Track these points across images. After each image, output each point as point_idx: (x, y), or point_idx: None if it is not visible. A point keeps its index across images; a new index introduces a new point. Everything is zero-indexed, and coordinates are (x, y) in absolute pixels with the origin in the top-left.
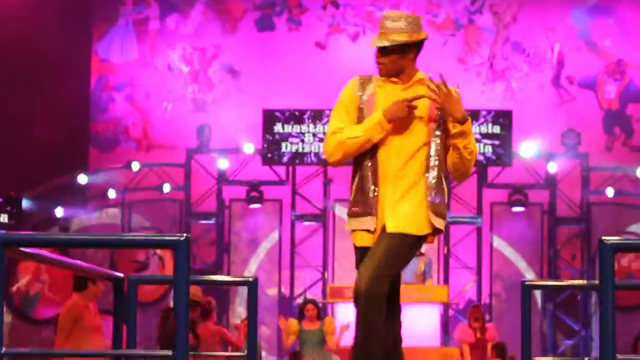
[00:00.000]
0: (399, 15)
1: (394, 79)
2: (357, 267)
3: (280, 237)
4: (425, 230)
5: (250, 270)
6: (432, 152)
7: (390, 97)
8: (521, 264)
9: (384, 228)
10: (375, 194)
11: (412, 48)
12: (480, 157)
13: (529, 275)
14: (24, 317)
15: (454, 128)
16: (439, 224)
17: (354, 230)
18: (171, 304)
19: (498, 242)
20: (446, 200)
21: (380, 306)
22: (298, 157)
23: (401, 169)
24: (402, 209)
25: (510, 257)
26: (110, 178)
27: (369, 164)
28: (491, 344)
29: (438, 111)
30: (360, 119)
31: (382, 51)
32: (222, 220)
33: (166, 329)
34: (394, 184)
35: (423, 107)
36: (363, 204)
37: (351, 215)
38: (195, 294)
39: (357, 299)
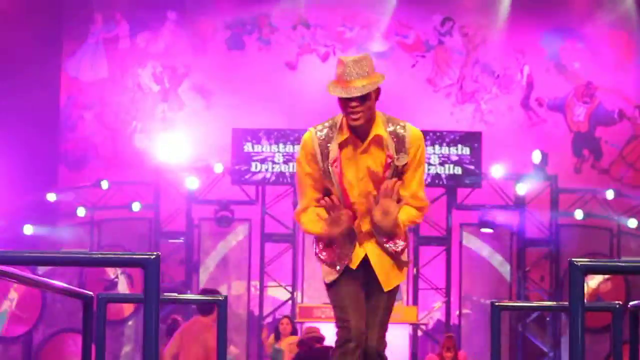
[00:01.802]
0: (358, 57)
1: (355, 139)
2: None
3: (249, 257)
4: None
5: (219, 290)
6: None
7: (350, 162)
8: (490, 285)
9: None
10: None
11: (378, 90)
12: (450, 179)
13: (498, 297)
14: None
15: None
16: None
17: None
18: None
19: (467, 263)
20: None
21: None
22: (267, 177)
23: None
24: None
25: (479, 278)
26: (79, 196)
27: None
28: None
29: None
30: (326, 177)
31: (363, 98)
32: (191, 239)
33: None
34: (371, 241)
35: (378, 164)
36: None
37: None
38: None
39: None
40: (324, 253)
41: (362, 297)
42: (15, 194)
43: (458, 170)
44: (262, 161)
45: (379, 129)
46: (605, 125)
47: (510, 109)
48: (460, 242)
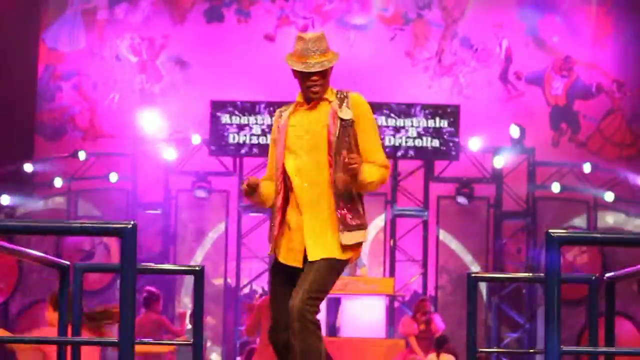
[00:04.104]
0: (317, 35)
1: (300, 101)
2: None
3: (226, 228)
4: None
5: (197, 261)
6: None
7: (299, 121)
8: (467, 257)
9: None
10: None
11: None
12: (428, 151)
13: (475, 269)
14: None
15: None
16: (347, 239)
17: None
18: None
19: (444, 235)
20: (360, 209)
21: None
22: (245, 149)
23: (316, 195)
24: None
25: (456, 250)
26: (56, 167)
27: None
28: (435, 337)
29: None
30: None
31: (322, 72)
32: (168, 210)
33: None
34: (311, 212)
35: (322, 126)
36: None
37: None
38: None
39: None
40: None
41: (288, 296)
42: None
43: (435, 143)
44: (240, 133)
45: (327, 95)
46: (583, 99)
47: (489, 83)
48: (437, 214)
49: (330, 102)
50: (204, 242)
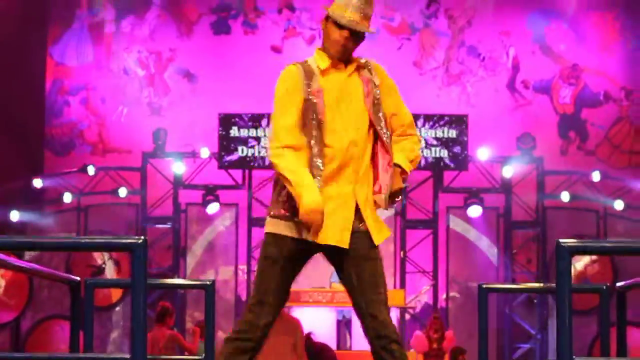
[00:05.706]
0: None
1: (338, 66)
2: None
3: (236, 241)
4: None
5: (207, 275)
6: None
7: (335, 86)
8: (477, 268)
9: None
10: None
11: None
12: (436, 161)
13: (485, 279)
14: None
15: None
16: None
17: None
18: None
19: (454, 246)
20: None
21: None
22: (254, 161)
23: (364, 169)
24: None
25: (467, 261)
26: (65, 182)
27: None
28: (449, 349)
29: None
30: (307, 110)
31: (357, 36)
32: (178, 224)
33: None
34: (363, 186)
35: (359, 99)
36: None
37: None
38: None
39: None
40: (290, 210)
41: (291, 282)
42: (1, 180)
43: (444, 153)
44: (249, 145)
45: (360, 59)
46: (591, 107)
47: (496, 91)
48: (447, 225)
49: (364, 67)
50: (214, 256)
